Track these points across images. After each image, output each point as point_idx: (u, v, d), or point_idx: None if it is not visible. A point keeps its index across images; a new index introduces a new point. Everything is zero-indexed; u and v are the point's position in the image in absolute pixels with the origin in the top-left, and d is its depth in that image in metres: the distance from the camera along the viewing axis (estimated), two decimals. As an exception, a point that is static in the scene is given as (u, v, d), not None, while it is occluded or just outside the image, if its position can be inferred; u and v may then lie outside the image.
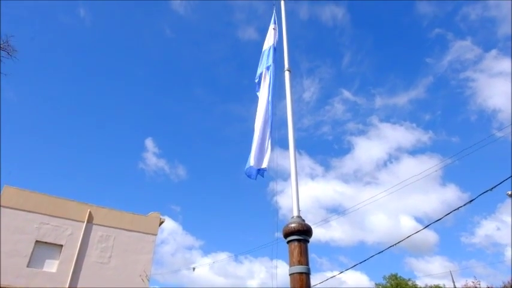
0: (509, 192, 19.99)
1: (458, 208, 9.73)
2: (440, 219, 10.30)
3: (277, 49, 6.82)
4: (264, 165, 5.47)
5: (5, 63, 10.24)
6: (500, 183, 8.90)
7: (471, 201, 9.30)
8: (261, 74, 6.72)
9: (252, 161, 5.57)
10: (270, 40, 7.13)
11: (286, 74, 5.74)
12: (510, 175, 9.24)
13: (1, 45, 9.67)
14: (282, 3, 6.85)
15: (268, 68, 6.62)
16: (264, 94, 6.30)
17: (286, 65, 5.86)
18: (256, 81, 6.79)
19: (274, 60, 6.67)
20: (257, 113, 6.13)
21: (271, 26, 7.39)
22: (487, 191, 9.01)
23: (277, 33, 7.20)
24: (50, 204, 20.32)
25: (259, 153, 5.62)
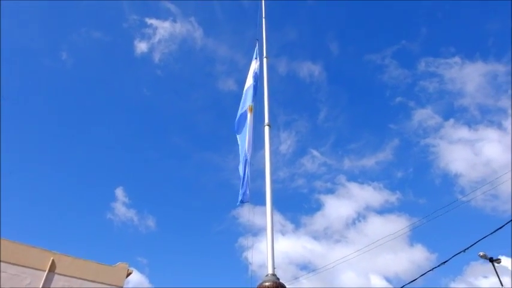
0: (481, 254, 20.17)
1: (433, 269, 9.74)
2: (415, 279, 10.23)
3: (259, 83, 7.10)
4: (246, 199, 5.81)
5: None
6: (473, 245, 9.02)
7: (444, 262, 9.35)
8: (243, 113, 6.94)
9: (243, 196, 5.91)
10: (250, 79, 7.39)
11: (266, 129, 5.84)
12: (480, 238, 9.39)
13: None
14: (265, 60, 7.14)
15: (248, 111, 6.87)
16: (247, 133, 6.49)
17: (266, 120, 5.98)
18: (237, 119, 6.98)
19: (255, 98, 6.96)
20: (241, 151, 6.32)
21: (253, 61, 7.67)
22: (460, 252, 9.12)
23: (257, 63, 7.50)
24: (10, 250, 19.08)
25: (247, 187, 5.94)
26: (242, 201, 5.77)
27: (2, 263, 18.44)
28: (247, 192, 5.85)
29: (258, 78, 7.18)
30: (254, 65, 7.61)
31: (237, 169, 6.21)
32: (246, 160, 6.10)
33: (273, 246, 4.35)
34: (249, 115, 6.72)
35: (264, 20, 7.84)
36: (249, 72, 7.60)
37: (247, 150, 6.20)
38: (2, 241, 19.06)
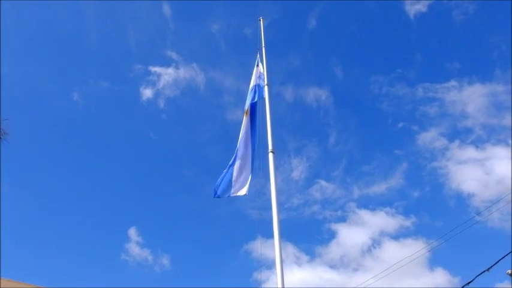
0: (509, 271, 19.29)
1: (458, 290, 9.34)
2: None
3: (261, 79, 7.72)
4: (244, 191, 6.14)
5: (-6, 145, 10.33)
6: (497, 262, 8.69)
7: (469, 283, 9.00)
8: (250, 103, 7.40)
9: (230, 189, 6.36)
10: (255, 79, 7.97)
11: (270, 155, 5.81)
12: (506, 253, 9.06)
13: None
14: (266, 88, 7.21)
15: (254, 102, 7.37)
16: (245, 126, 6.84)
17: (270, 147, 5.96)
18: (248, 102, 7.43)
19: (259, 96, 7.44)
20: (239, 142, 6.75)
21: (255, 68, 8.18)
22: (484, 271, 8.79)
23: (259, 70, 8.03)
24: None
25: (242, 180, 6.28)
26: (217, 195, 6.14)
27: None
28: (228, 187, 6.32)
29: (257, 86, 7.68)
30: (256, 71, 8.15)
31: (250, 198, 6.56)
32: (235, 157, 6.58)
33: (283, 274, 4.23)
34: (244, 118, 7.12)
35: (264, 49, 7.99)
36: (252, 78, 8.10)
37: (239, 147, 6.66)
38: (18, 284, 19.02)
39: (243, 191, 6.09)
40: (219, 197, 6.32)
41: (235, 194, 6.17)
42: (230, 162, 6.58)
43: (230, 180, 6.28)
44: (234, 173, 6.31)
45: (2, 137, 10.93)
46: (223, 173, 6.49)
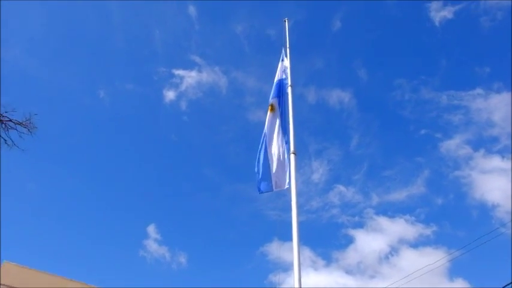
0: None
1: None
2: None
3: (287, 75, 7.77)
4: (285, 185, 6.09)
5: (24, 139, 10.89)
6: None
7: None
8: (275, 97, 7.51)
9: (271, 184, 6.38)
10: (279, 74, 8.05)
11: (292, 157, 5.80)
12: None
13: (22, 122, 10.34)
14: (289, 89, 7.18)
15: (278, 97, 7.44)
16: (272, 121, 6.93)
17: (292, 148, 5.95)
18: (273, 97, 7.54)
19: (283, 91, 7.53)
20: (267, 135, 6.81)
21: (280, 63, 8.27)
22: (508, 284, 8.50)
23: (284, 64, 8.10)
24: (51, 283, 19.58)
25: (280, 175, 6.28)
26: (262, 191, 6.16)
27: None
28: (268, 182, 6.30)
29: (281, 81, 7.76)
30: (281, 66, 8.21)
31: (269, 199, 6.64)
32: (266, 152, 6.61)
33: (300, 277, 4.21)
34: (268, 113, 7.14)
35: (288, 49, 7.97)
36: (277, 72, 8.17)
37: (267, 142, 6.70)
38: (44, 274, 19.59)
39: (284, 185, 6.13)
40: (262, 192, 6.38)
41: (277, 189, 6.20)
42: (262, 158, 6.60)
43: (269, 175, 6.34)
44: (272, 168, 6.37)
45: (31, 131, 11.39)
46: (257, 169, 6.55)
